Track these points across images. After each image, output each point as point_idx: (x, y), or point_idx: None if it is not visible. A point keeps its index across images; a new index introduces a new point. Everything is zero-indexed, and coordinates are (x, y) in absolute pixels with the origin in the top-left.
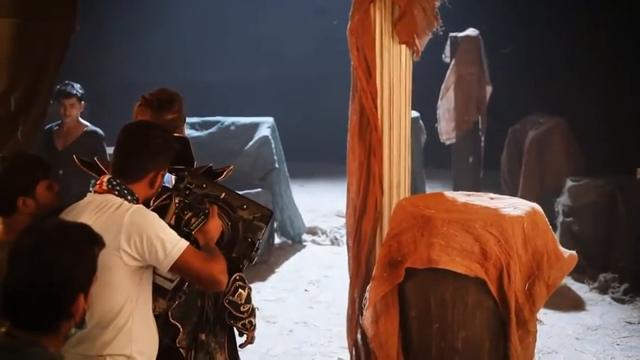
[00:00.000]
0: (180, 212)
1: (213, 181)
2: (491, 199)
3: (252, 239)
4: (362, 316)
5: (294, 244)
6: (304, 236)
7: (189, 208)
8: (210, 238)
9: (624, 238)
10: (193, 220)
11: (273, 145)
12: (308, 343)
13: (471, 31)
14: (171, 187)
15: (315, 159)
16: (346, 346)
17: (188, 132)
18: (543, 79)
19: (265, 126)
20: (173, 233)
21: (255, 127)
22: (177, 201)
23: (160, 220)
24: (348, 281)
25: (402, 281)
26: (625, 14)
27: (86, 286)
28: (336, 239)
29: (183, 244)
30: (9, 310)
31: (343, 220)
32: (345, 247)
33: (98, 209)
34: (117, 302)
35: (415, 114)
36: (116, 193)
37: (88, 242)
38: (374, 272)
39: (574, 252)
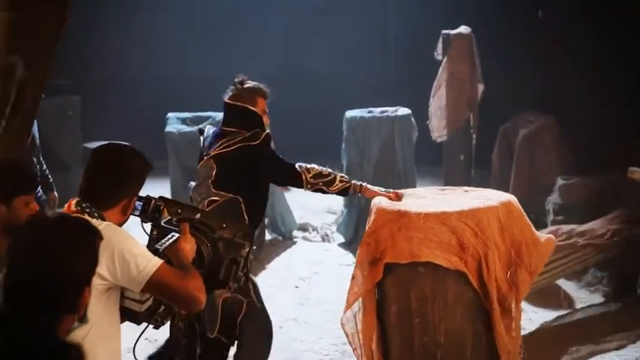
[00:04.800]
0: (156, 242)
1: (187, 204)
2: (465, 191)
3: (235, 258)
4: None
5: (285, 240)
6: (295, 232)
7: (164, 233)
8: (182, 255)
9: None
10: (165, 239)
11: None
12: (298, 340)
13: (464, 29)
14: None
15: (307, 155)
16: (336, 343)
17: (179, 127)
18: (535, 78)
19: None
20: (146, 250)
21: None
22: (155, 233)
23: (132, 237)
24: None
25: (382, 278)
26: (619, 13)
27: (90, 279)
28: (327, 236)
29: (158, 260)
30: (13, 306)
31: (334, 217)
32: (335, 244)
33: None
34: (82, 328)
35: (407, 111)
36: (86, 215)
37: (90, 234)
38: (353, 272)
39: (551, 235)
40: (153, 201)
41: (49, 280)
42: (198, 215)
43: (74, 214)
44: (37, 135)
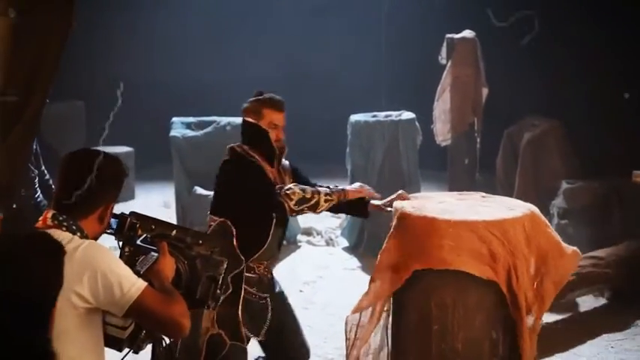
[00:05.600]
0: (131, 260)
1: (160, 220)
2: (483, 197)
3: (213, 276)
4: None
5: (289, 244)
6: (299, 237)
7: (139, 252)
8: (164, 277)
9: (619, 241)
10: (142, 258)
11: None
12: None
13: (468, 33)
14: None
15: (310, 159)
16: (341, 347)
17: (184, 132)
18: (539, 82)
19: None
20: (130, 271)
21: None
22: (126, 250)
23: (116, 257)
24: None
25: (402, 284)
26: (625, 16)
27: (56, 299)
28: (331, 240)
29: (142, 283)
30: None
31: (338, 221)
32: (339, 249)
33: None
34: (67, 352)
35: (411, 115)
36: (64, 228)
37: (55, 253)
38: (373, 275)
39: (576, 248)
40: (128, 219)
41: (15, 299)
42: (174, 232)
43: (50, 229)
44: (34, 142)
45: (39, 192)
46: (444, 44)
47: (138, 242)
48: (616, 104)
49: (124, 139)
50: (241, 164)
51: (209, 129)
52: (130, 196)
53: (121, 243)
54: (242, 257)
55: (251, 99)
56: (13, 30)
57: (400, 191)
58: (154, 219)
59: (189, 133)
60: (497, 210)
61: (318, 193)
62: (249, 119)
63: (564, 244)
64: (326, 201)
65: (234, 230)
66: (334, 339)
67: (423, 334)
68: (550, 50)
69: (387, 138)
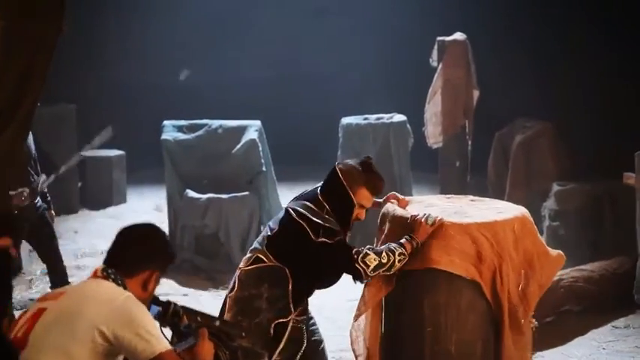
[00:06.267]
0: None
1: (205, 313)
2: (472, 200)
3: None
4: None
5: None
6: None
7: (183, 337)
8: (199, 358)
9: (611, 243)
10: (182, 343)
11: (260, 149)
12: None
13: (459, 35)
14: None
15: (303, 162)
16: (334, 350)
17: (175, 135)
18: (531, 84)
19: (253, 129)
20: (160, 333)
21: (242, 130)
22: (175, 340)
23: (151, 317)
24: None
25: (395, 285)
26: (618, 18)
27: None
28: None
29: (168, 345)
30: None
31: None
32: None
33: (90, 284)
34: None
35: (402, 117)
36: (111, 280)
37: (10, 267)
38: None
39: (560, 251)
40: (172, 305)
41: None
42: (217, 323)
43: (99, 279)
44: (32, 147)
45: (38, 198)
46: (435, 46)
47: (181, 328)
48: (608, 105)
49: (115, 142)
50: (327, 244)
51: (200, 132)
52: (122, 200)
53: (164, 329)
54: (292, 307)
55: (358, 164)
56: (4, 35)
57: (392, 193)
58: (201, 313)
59: (181, 136)
60: (487, 212)
61: (393, 252)
62: (346, 184)
63: (548, 248)
64: (399, 261)
65: (290, 280)
66: (328, 342)
67: (416, 334)
68: (542, 52)
69: (378, 140)
